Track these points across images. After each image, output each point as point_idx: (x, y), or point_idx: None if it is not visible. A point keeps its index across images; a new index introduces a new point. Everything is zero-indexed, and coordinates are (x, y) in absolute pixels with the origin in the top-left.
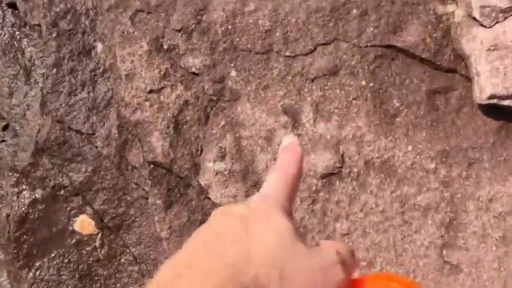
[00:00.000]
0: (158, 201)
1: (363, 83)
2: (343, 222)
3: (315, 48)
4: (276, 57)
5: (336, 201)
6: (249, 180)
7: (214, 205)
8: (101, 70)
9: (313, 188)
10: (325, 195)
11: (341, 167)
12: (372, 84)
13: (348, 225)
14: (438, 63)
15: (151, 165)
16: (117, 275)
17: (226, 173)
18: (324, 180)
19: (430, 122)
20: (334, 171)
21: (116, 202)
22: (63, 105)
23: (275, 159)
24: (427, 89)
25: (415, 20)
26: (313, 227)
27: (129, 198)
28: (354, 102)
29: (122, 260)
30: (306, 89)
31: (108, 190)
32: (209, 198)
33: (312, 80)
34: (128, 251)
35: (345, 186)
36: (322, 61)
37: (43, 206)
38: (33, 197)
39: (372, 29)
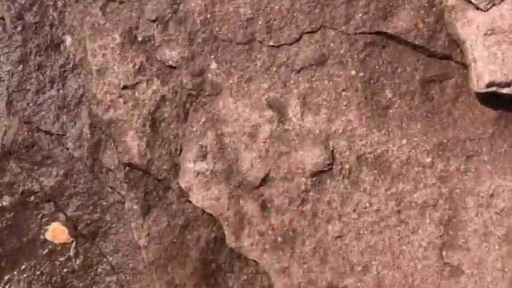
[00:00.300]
0: (135, 206)
1: (353, 72)
2: (335, 224)
3: (301, 37)
4: (259, 48)
5: (327, 201)
6: (233, 181)
7: (196, 209)
8: (70, 65)
9: (302, 187)
10: (316, 195)
11: (332, 163)
12: (362, 74)
13: (341, 226)
14: (432, 49)
15: (127, 167)
16: (94, 287)
17: (208, 173)
18: (314, 179)
19: (425, 113)
20: (325, 169)
21: (90, 208)
22: (30, 105)
23: (260, 158)
24: (420, 78)
25: (407, 5)
26: (303, 230)
27: (104, 203)
28: (343, 93)
29: (99, 270)
30: (292, 81)
31: (82, 195)
32: (190, 202)
33: (298, 71)
34: (104, 260)
35: (336, 184)
36: (308, 50)
37: (12, 214)
38: (1, 204)
39: (360, 15)
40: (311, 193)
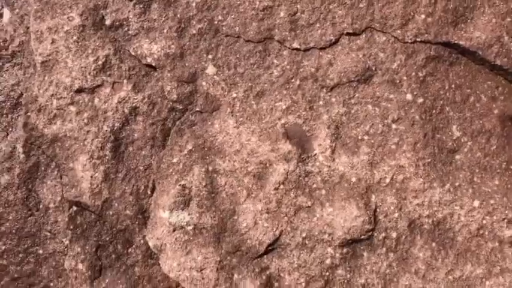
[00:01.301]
0: (80, 266)
1: (408, 97)
2: None
3: (338, 40)
4: (278, 50)
5: (363, 285)
6: (225, 244)
7: (167, 279)
8: (8, 51)
9: (328, 260)
10: (346, 274)
11: (373, 229)
12: (421, 101)
13: None
14: None
15: (73, 207)
16: None
17: (189, 228)
18: (345, 250)
19: (506, 164)
20: (362, 236)
21: (21, 255)
22: None
23: (269, 212)
24: (500, 112)
25: (487, 8)
26: None
27: (41, 252)
28: (394, 126)
29: None
30: (322, 102)
31: (10, 236)
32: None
33: (331, 89)
34: None
35: (376, 260)
36: (347, 60)
37: None
38: None
39: (423, 16)
40: (339, 271)
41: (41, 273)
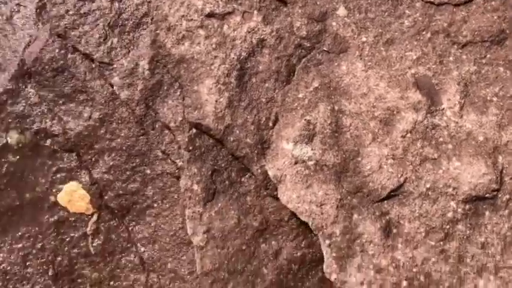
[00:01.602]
0: (196, 187)
1: None
2: (489, 279)
3: None
4: (411, 1)
5: (482, 244)
6: (348, 183)
7: (281, 210)
8: None
9: (450, 214)
10: (466, 231)
11: (498, 190)
12: None
13: (497, 284)
14: None
15: (194, 129)
16: (112, 283)
17: (311, 163)
18: (468, 206)
19: None
20: (487, 195)
21: (127, 173)
22: (70, 13)
23: (394, 158)
24: None
25: None
26: (441, 278)
27: (148, 172)
28: None
29: (123, 262)
30: (452, 58)
31: (119, 153)
32: (275, 198)
33: (463, 46)
34: (133, 249)
35: (498, 221)
36: (481, 19)
37: (16, 157)
38: (4, 141)
39: None
40: (460, 226)
41: (145, 193)
